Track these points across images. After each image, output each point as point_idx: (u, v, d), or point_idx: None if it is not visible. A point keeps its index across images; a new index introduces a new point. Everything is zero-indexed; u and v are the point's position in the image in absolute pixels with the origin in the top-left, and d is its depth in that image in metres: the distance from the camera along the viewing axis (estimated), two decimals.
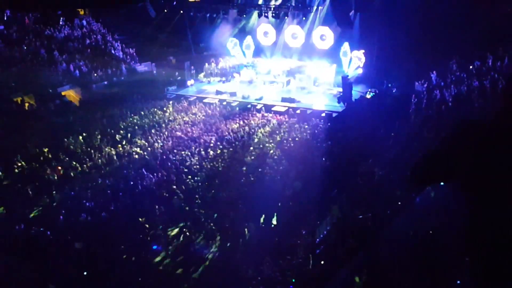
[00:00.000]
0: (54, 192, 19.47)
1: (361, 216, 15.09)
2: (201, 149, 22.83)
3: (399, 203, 14.57)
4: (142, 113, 28.32)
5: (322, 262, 13.85)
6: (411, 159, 16.86)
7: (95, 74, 33.49)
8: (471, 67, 25.24)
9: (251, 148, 22.91)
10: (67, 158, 22.12)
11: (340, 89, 30.35)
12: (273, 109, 29.67)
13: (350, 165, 20.20)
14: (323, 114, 28.27)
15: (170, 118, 27.55)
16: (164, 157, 22.21)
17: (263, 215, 17.65)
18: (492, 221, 2.64)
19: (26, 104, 28.04)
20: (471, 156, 2.66)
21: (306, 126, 25.88)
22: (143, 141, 24.02)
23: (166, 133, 25.20)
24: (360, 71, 33.16)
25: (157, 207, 18.10)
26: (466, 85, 22.82)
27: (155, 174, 20.55)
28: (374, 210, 15.00)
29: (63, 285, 14.56)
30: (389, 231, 13.60)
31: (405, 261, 11.25)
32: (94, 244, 16.18)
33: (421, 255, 10.92)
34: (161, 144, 23.74)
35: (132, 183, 20.02)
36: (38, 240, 16.41)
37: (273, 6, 35.69)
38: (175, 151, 22.74)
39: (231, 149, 22.92)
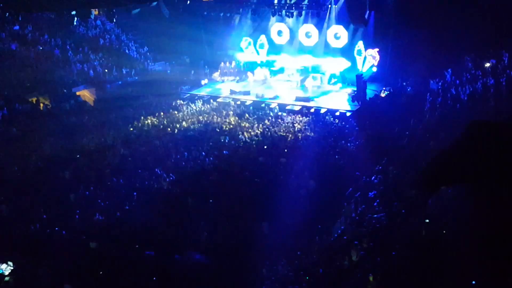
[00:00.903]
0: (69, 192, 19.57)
1: (376, 216, 15.01)
2: (215, 149, 22.85)
3: (414, 202, 14.46)
4: (156, 112, 28.42)
5: (338, 263, 13.79)
6: (426, 158, 16.76)
7: (110, 74, 33.67)
8: (487, 65, 24.98)
9: (265, 147, 22.89)
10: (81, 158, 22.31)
11: (355, 88, 30.26)
12: (287, 108, 29.61)
13: (364, 163, 20.12)
14: (338, 113, 28.18)
15: (184, 118, 27.60)
16: (178, 156, 22.25)
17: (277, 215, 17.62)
18: (507, 222, 2.61)
19: (41, 104, 28.26)
20: (484, 158, 2.63)
21: (320, 125, 25.84)
22: (157, 141, 24.10)
23: (180, 132, 25.26)
24: (375, 69, 32.99)
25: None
26: (482, 83, 22.59)
27: (170, 174, 20.63)
28: (389, 209, 14.92)
29: (79, 285, 14.63)
30: (404, 230, 13.51)
31: (419, 261, 11.16)
32: (109, 244, 16.25)
33: (435, 255, 10.83)
34: (175, 143, 23.78)
35: (146, 182, 20.11)
36: (54, 239, 16.52)
37: (287, 5, 35.57)
38: (189, 150, 22.77)
39: (244, 148, 22.90)
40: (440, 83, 25.12)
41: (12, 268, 15.28)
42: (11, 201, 18.82)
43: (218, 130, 25.40)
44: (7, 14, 26.65)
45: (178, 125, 26.31)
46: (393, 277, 11.73)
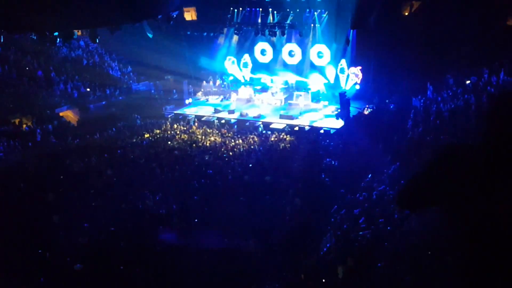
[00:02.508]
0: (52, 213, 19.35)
1: (361, 233, 15.02)
2: (200, 168, 22.79)
3: (398, 220, 14.53)
4: (141, 132, 28.36)
5: (324, 282, 13.75)
6: (409, 175, 16.84)
7: (93, 95, 33.57)
8: (468, 82, 25.30)
9: (250, 165, 22.89)
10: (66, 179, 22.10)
11: (338, 106, 30.48)
12: (271, 126, 29.73)
13: (349, 181, 20.18)
14: (322, 131, 28.31)
15: (168, 137, 27.55)
16: (163, 176, 22.16)
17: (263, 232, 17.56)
18: (485, 247, 2.62)
19: (24, 125, 28.05)
20: (459, 181, 2.65)
21: (305, 143, 25.90)
22: (141, 160, 23.99)
23: (164, 152, 25.18)
24: (358, 87, 33.28)
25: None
26: (463, 100, 22.86)
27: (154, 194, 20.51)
28: (375, 226, 14.95)
29: None
30: (389, 247, 13.54)
31: (404, 278, 11.18)
32: (94, 266, 16.06)
33: (420, 272, 10.86)
34: (160, 163, 23.68)
35: (132, 204, 19.94)
36: (36, 262, 16.31)
37: (270, 24, 35.85)
38: (173, 170, 22.68)
39: (229, 167, 22.87)
40: (422, 100, 25.37)
41: None
42: None
43: (202, 149, 25.37)
44: None
45: (162, 144, 26.25)
46: None
